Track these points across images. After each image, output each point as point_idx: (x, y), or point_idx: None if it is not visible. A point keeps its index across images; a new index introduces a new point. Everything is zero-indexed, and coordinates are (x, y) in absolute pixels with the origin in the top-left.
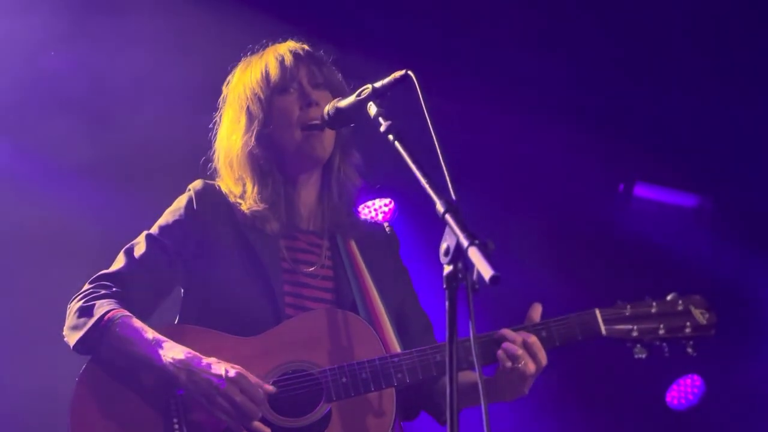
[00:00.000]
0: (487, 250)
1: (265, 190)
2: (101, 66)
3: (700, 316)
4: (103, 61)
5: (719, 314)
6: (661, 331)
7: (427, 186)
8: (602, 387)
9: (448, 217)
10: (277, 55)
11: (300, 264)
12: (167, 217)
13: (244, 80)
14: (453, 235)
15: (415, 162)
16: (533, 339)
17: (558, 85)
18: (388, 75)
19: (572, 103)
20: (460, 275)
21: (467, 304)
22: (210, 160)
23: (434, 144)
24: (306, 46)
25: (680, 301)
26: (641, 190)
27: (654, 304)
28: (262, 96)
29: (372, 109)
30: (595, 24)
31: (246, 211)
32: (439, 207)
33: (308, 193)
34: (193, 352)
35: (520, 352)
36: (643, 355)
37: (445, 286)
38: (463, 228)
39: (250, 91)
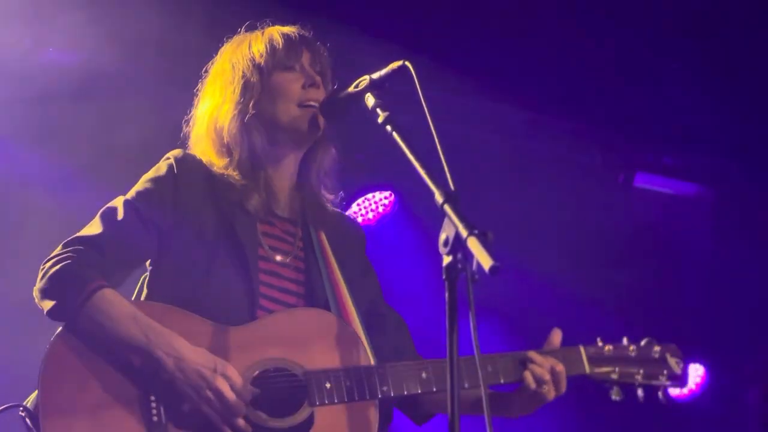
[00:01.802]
0: (486, 240)
1: (248, 163)
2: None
3: (675, 365)
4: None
5: (720, 306)
6: (638, 377)
7: (425, 177)
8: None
9: (446, 207)
10: (282, 32)
11: (274, 252)
12: (146, 184)
13: (243, 51)
14: (452, 226)
15: (413, 153)
16: (561, 368)
17: (555, 76)
18: (386, 66)
19: (571, 95)
20: (459, 266)
21: (467, 294)
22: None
23: (432, 135)
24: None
25: (656, 348)
26: (641, 181)
27: (632, 347)
28: (264, 67)
29: (370, 100)
30: (596, 17)
31: (229, 184)
32: (438, 197)
33: (286, 177)
34: (182, 338)
35: (548, 377)
36: (619, 398)
37: (444, 276)
38: (462, 218)
39: (250, 62)
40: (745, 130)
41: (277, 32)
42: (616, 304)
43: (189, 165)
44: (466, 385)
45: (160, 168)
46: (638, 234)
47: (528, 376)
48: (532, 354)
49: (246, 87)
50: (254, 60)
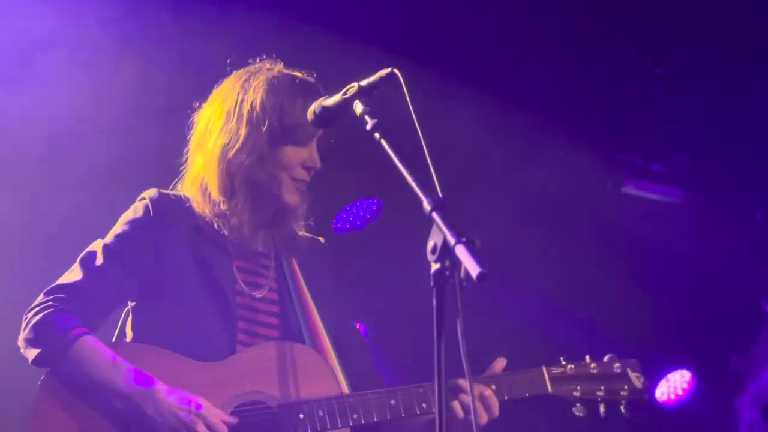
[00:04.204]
0: (474, 248)
1: (247, 204)
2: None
3: (636, 379)
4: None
5: (710, 305)
6: (600, 393)
7: (413, 184)
8: None
9: (435, 215)
10: (310, 106)
11: (251, 287)
12: (123, 226)
13: (271, 102)
14: (440, 233)
15: (401, 160)
16: (489, 392)
17: (543, 83)
18: (374, 73)
19: (558, 101)
20: (447, 273)
21: (455, 301)
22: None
23: (420, 142)
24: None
25: (617, 364)
26: (629, 187)
27: (593, 364)
28: (289, 130)
29: (358, 107)
30: (583, 24)
31: (205, 221)
32: (426, 205)
33: (263, 217)
34: (158, 381)
35: (476, 404)
36: (582, 414)
37: (432, 283)
38: (450, 226)
39: (283, 118)
40: (732, 136)
41: (303, 103)
42: (602, 311)
43: (164, 205)
44: (424, 406)
45: (137, 209)
46: (625, 240)
47: (456, 406)
48: (460, 381)
49: (262, 143)
50: (276, 122)
